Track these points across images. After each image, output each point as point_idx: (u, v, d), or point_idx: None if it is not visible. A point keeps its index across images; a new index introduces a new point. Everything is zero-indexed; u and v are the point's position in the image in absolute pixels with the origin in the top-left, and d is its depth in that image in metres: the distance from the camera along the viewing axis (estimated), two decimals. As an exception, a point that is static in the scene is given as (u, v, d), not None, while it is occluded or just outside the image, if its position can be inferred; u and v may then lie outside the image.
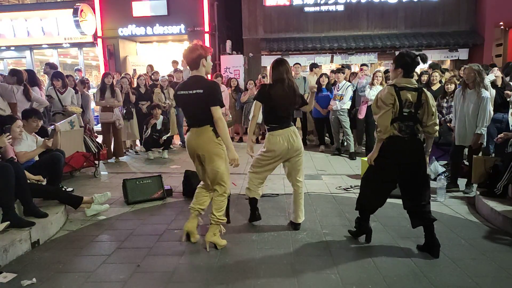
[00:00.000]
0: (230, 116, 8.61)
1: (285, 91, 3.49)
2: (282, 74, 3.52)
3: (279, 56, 3.77)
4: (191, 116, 3.25)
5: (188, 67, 3.26)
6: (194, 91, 3.10)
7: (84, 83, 7.53)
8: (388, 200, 4.52)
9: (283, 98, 3.49)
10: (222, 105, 3.13)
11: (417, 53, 3.16)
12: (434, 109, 3.11)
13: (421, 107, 3.09)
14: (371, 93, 6.63)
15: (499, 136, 4.63)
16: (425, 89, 3.15)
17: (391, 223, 3.82)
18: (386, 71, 7.71)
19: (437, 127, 3.16)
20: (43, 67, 7.73)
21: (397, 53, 12.29)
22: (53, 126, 4.80)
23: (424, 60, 3.14)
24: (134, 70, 11.50)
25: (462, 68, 4.77)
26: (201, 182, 3.46)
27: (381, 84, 6.74)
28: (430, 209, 3.19)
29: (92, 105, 8.18)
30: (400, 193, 3.30)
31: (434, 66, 8.28)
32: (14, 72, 5.71)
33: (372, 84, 6.73)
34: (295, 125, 3.75)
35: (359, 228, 3.45)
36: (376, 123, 3.17)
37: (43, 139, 4.61)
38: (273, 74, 3.56)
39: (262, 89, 3.59)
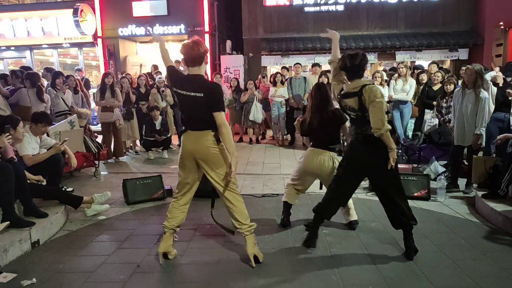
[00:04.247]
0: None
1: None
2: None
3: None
4: (189, 118, 2.97)
5: (186, 64, 2.93)
6: (193, 94, 2.83)
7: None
8: (388, 200, 4.54)
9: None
10: (224, 110, 2.88)
11: (353, 53, 3.01)
12: (376, 107, 2.84)
13: (367, 109, 2.90)
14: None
15: (498, 137, 4.63)
16: (366, 89, 2.88)
17: (391, 224, 3.81)
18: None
19: (377, 126, 2.83)
20: (42, 70, 7.72)
21: (397, 53, 12.31)
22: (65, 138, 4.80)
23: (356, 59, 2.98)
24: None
25: (464, 68, 4.76)
26: (176, 194, 3.10)
27: (380, 84, 6.73)
28: (404, 212, 3.06)
29: (92, 105, 8.19)
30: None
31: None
32: (28, 76, 5.77)
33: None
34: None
35: (312, 234, 3.30)
36: None
37: (48, 137, 4.67)
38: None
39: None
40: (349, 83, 3.09)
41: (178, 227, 3.14)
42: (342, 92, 3.12)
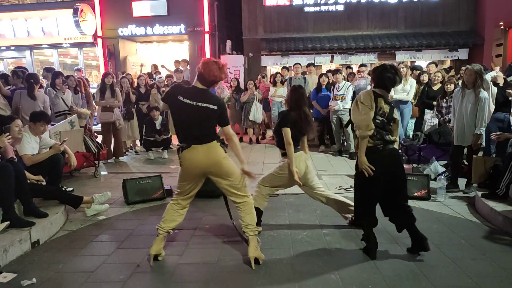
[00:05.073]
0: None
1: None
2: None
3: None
4: (194, 131, 2.90)
5: (197, 78, 2.94)
6: (205, 105, 2.85)
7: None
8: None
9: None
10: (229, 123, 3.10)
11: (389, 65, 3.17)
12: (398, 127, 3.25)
13: (393, 121, 3.16)
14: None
15: (494, 134, 4.63)
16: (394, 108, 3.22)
17: (390, 223, 3.80)
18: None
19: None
20: (42, 71, 7.74)
21: (397, 53, 12.32)
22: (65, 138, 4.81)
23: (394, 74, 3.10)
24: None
25: (464, 68, 4.77)
26: (176, 197, 3.13)
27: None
28: (411, 210, 3.18)
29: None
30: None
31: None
32: (25, 77, 5.75)
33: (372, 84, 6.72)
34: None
35: (371, 245, 3.21)
36: (355, 123, 3.14)
37: (48, 138, 4.66)
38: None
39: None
40: (378, 89, 3.14)
41: (172, 230, 3.16)
42: (377, 92, 3.11)
